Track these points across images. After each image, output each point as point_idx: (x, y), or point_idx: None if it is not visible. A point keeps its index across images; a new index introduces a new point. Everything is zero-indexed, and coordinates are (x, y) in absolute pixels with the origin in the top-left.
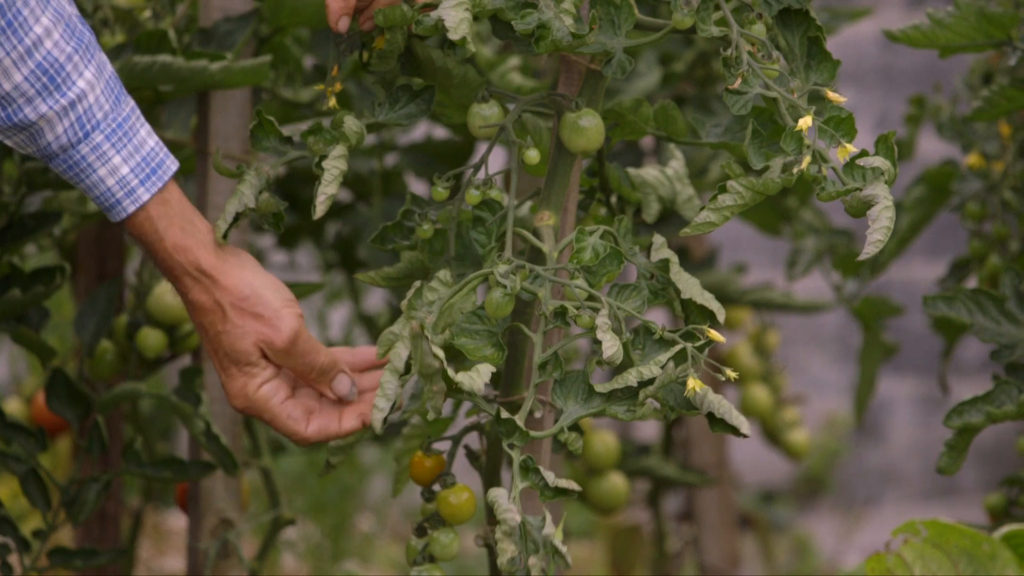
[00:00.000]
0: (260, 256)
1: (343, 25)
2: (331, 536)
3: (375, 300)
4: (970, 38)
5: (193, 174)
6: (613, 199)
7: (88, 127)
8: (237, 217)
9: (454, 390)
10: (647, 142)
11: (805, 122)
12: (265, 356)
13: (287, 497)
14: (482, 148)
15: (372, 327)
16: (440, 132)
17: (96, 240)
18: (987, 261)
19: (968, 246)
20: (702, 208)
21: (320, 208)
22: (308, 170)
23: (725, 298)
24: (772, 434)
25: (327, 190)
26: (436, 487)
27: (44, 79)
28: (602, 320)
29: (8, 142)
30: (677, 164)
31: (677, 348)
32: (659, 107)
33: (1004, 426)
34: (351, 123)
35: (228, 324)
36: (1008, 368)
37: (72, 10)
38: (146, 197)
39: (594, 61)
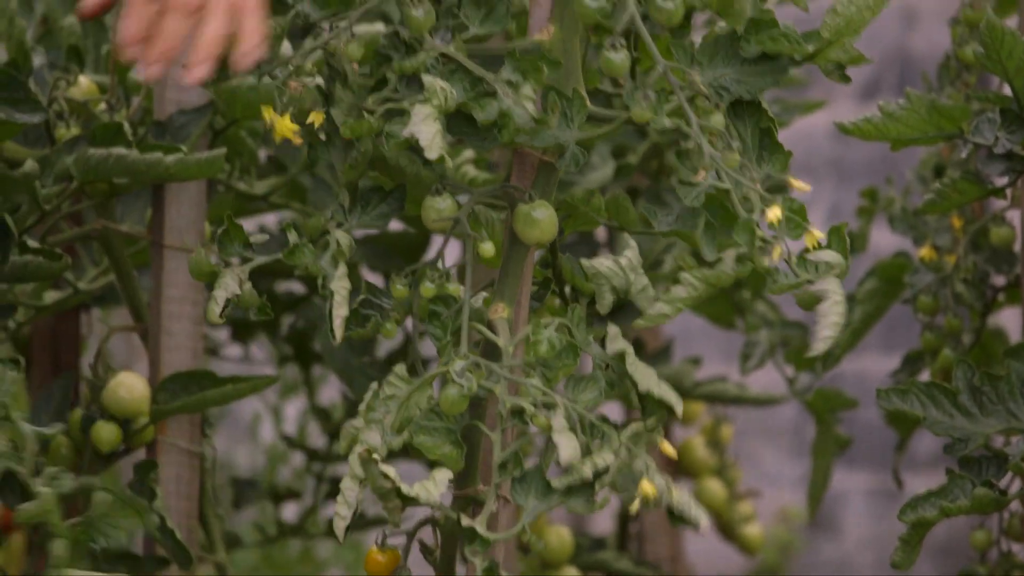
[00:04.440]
0: (215, 349)
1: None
2: None
3: (331, 393)
4: (921, 131)
5: (148, 267)
6: (567, 290)
7: None
8: (228, 304)
9: (410, 502)
10: (601, 233)
11: (775, 213)
12: None
13: None
14: (437, 241)
15: (327, 420)
16: (394, 224)
17: (50, 333)
18: (940, 354)
19: (921, 339)
20: (656, 300)
21: (338, 332)
22: (264, 264)
23: (679, 391)
24: (726, 528)
25: (340, 312)
26: None
27: None
28: (558, 421)
29: None
30: (631, 254)
31: (628, 432)
32: (611, 198)
33: (958, 520)
34: (343, 238)
35: None
36: (961, 462)
37: None
38: None
39: (547, 153)
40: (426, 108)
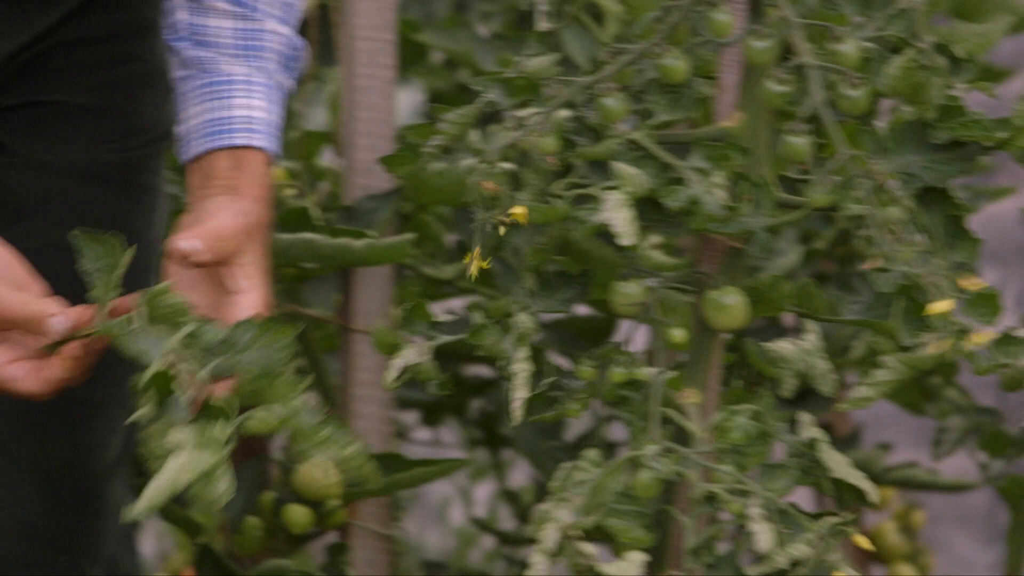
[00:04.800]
0: (404, 432)
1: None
2: None
3: (520, 476)
4: None
5: (337, 350)
6: (751, 373)
7: None
8: (403, 372)
9: None
10: (788, 318)
11: (941, 306)
12: None
13: None
14: (624, 324)
15: (517, 503)
16: (582, 308)
17: None
18: None
19: None
20: (859, 383)
21: (517, 413)
22: (452, 347)
23: (870, 476)
24: None
25: (520, 394)
26: None
27: None
28: (755, 510)
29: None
30: (812, 338)
31: (824, 525)
32: (798, 285)
33: None
34: (526, 320)
35: None
36: None
37: None
38: None
39: (735, 239)
40: (618, 194)
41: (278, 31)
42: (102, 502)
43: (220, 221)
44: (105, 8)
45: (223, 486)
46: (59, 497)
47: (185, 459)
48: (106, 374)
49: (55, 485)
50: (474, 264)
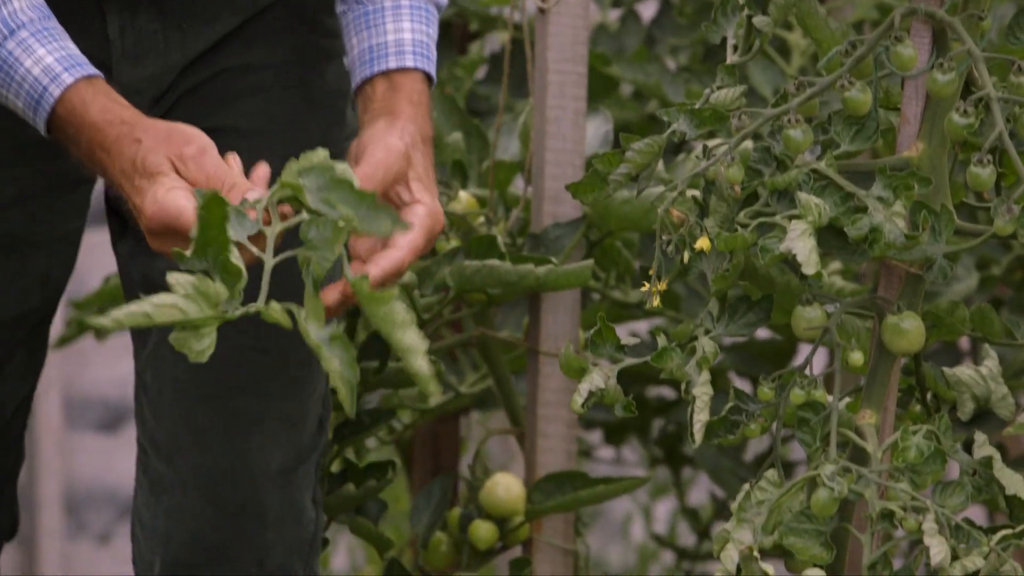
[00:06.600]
0: (588, 451)
1: None
2: None
3: (699, 494)
4: None
5: (524, 372)
6: (928, 397)
7: (13, 26)
8: (590, 396)
9: None
10: (964, 342)
11: None
12: (176, 172)
13: None
14: (803, 348)
15: (696, 520)
16: (762, 331)
17: (431, 436)
18: None
19: None
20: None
21: (698, 436)
22: (636, 369)
23: None
24: None
25: (701, 417)
26: None
27: None
28: (929, 525)
29: None
30: (991, 363)
31: (999, 536)
32: (975, 309)
33: None
34: (708, 345)
35: (141, 145)
36: None
37: None
38: (70, 80)
39: (914, 266)
40: (801, 224)
41: None
42: (264, 511)
43: (375, 157)
44: (269, 40)
45: (204, 344)
46: (222, 505)
47: (170, 300)
48: (261, 387)
49: (218, 493)
50: (654, 293)
